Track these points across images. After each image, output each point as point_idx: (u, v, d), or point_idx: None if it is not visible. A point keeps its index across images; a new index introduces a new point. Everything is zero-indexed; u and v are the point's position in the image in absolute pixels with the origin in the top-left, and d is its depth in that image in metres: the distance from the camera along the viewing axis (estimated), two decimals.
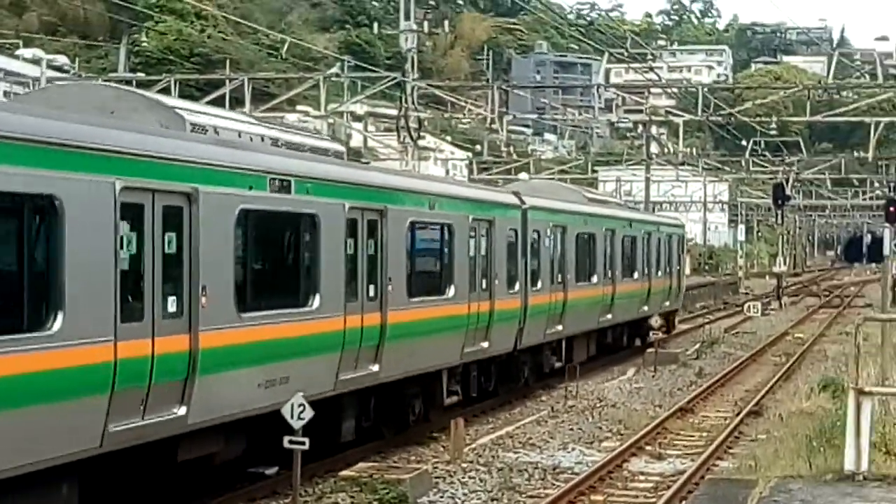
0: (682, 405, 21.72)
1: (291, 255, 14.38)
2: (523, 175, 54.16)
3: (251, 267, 13.11)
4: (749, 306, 44.77)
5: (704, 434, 19.29)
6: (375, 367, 15.51)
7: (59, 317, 9.85)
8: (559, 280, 23.67)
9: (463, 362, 18.90)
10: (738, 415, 20.76)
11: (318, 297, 13.98)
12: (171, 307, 11.32)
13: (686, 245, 41.10)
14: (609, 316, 27.35)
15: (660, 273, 32.61)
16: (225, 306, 12.10)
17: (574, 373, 23.49)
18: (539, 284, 22.33)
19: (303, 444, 12.04)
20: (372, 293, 15.38)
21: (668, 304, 33.70)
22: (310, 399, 12.35)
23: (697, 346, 33.36)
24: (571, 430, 19.45)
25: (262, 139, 13.96)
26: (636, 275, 30.03)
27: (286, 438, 12.11)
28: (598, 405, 22.11)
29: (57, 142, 9.95)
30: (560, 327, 23.73)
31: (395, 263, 15.95)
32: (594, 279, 26.22)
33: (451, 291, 18.02)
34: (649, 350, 28.70)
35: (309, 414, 12.02)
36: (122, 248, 10.62)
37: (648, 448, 17.85)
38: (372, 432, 16.59)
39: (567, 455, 17.28)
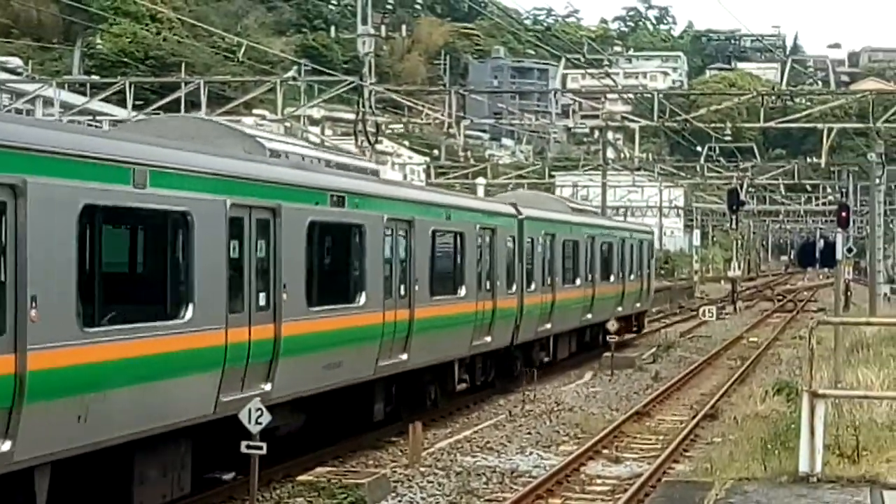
0: (638, 409, 21.84)
1: (344, 259, 16.54)
2: (480, 179, 54.27)
3: (315, 269, 15.10)
4: (704, 310, 45.13)
5: (661, 437, 19.40)
6: (405, 356, 17.84)
7: (190, 307, 12.03)
8: (549, 282, 26.11)
9: (471, 354, 21.43)
10: (693, 418, 20.91)
11: (364, 294, 16.36)
12: (262, 301, 13.51)
13: (654, 250, 43.41)
14: (589, 315, 29.66)
15: (632, 276, 34.82)
16: (298, 301, 14.24)
17: (532, 377, 23.56)
18: (532, 286, 24.78)
19: (260, 448, 11.97)
20: (403, 292, 17.74)
21: (639, 304, 36.16)
22: (356, 381, 15.89)
23: (653, 349, 33.56)
24: (529, 433, 19.50)
25: (319, 161, 16.42)
26: (612, 278, 32.33)
27: (243, 443, 12.03)
28: (555, 409, 22.19)
29: (193, 170, 12.17)
30: (549, 325, 26.12)
31: (421, 266, 18.45)
32: (577, 282, 28.71)
33: (462, 291, 20.49)
34: (606, 354, 28.85)
35: (266, 419, 11.95)
36: (230, 250, 12.80)
37: (605, 451, 17.93)
38: (393, 415, 18.52)
39: (525, 459, 17.32)
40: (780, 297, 64.92)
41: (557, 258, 26.78)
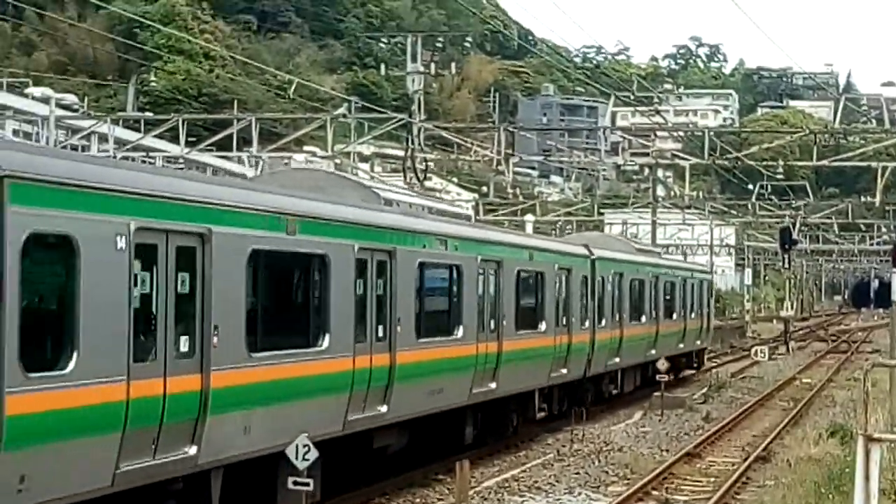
0: (689, 450, 21.52)
1: (446, 296, 18.34)
2: (529, 217, 54.13)
3: (423, 304, 16.95)
4: (756, 350, 44.57)
5: (712, 479, 19.10)
6: (493, 385, 19.54)
7: (327, 337, 13.89)
8: (617, 319, 27.69)
9: (549, 384, 23.21)
10: (745, 460, 20.55)
11: (461, 328, 18.20)
12: (380, 332, 15.32)
13: (713, 290, 45.80)
14: (653, 351, 30.89)
15: (693, 314, 36.43)
16: (409, 333, 16.03)
17: (581, 416, 23.35)
18: (603, 322, 26.44)
19: (307, 485, 11.92)
20: (492, 326, 19.51)
21: (699, 342, 37.92)
22: (455, 406, 17.96)
23: (704, 390, 33.17)
24: (577, 473, 19.27)
25: (423, 208, 18.76)
26: (675, 315, 33.94)
27: (290, 479, 12.00)
28: (604, 448, 21.93)
29: (330, 219, 14.13)
30: (618, 359, 27.88)
31: (507, 302, 20.18)
32: (643, 319, 30.21)
33: (542, 326, 22.19)
34: (656, 393, 28.55)
35: (314, 455, 11.91)
36: (356, 288, 14.64)
37: (655, 493, 17.66)
38: (480, 439, 20.14)
39: (573, 499, 17.12)
40: (834, 338, 64.04)
41: (625, 296, 28.32)
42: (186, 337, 11.31)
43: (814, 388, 34.61)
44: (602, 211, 72.00)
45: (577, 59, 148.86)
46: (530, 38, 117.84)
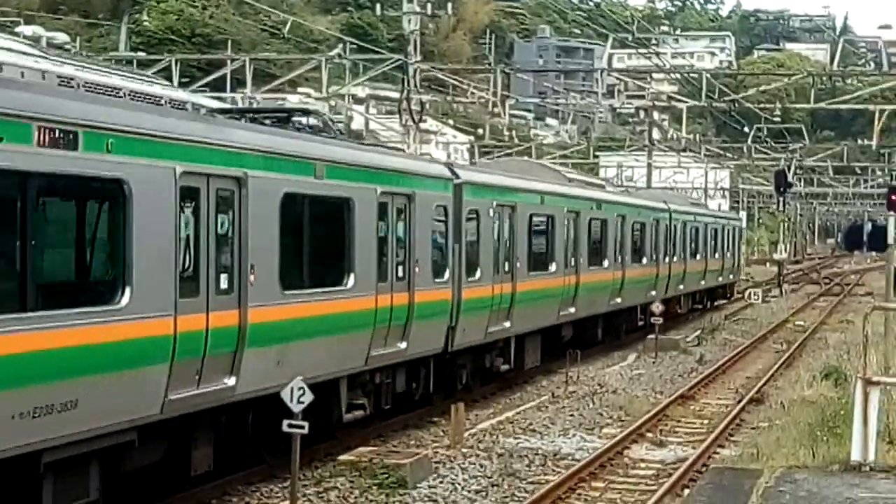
0: (683, 392, 21.62)
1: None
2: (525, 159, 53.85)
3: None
4: (750, 293, 44.63)
5: (706, 421, 19.19)
6: (508, 324, 20.47)
7: (352, 276, 14.66)
8: (683, 256, 35.57)
9: (558, 323, 24.33)
10: (739, 402, 20.65)
11: (479, 270, 19.02)
12: (400, 273, 16.11)
13: (743, 233, 54.93)
14: (703, 282, 39.48)
15: (728, 254, 44.17)
16: (427, 275, 16.93)
17: (575, 358, 23.40)
18: (676, 257, 34.48)
19: (302, 427, 11.90)
20: (507, 268, 20.40)
21: (731, 276, 45.82)
22: (481, 342, 19.49)
23: (698, 332, 33.25)
24: (572, 415, 19.34)
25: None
26: (717, 255, 41.77)
27: (285, 422, 11.97)
28: (598, 391, 21.99)
29: (353, 163, 14.81)
30: (682, 286, 35.76)
31: (520, 244, 21.10)
32: (698, 257, 38.18)
33: (552, 267, 23.21)
34: (650, 336, 28.61)
35: (308, 398, 11.87)
36: (378, 231, 15.43)
37: (649, 435, 17.75)
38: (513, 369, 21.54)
39: (568, 441, 17.18)
40: (827, 281, 64.14)
41: (689, 239, 36.27)
42: (226, 275, 11.94)
43: (807, 330, 34.72)
44: (598, 154, 71.81)
45: (574, 1, 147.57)
46: None
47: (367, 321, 14.96)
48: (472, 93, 42.18)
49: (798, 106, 54.26)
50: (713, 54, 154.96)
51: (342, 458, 14.44)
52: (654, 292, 30.97)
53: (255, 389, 12.43)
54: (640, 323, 30.98)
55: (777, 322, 37.60)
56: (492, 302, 19.47)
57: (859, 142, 61.37)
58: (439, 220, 17.57)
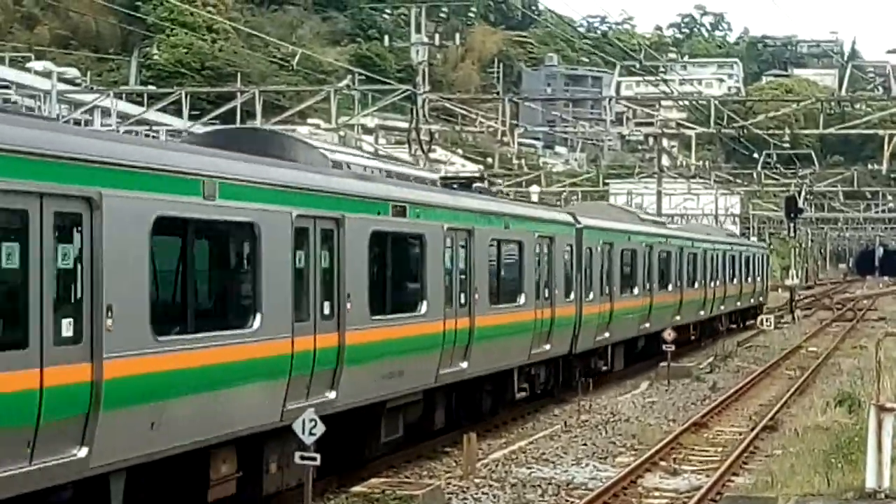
0: (696, 420, 21.50)
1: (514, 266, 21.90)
2: (534, 188, 53.97)
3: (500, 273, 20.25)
4: (762, 319, 44.48)
5: (719, 449, 19.08)
6: (608, 334, 25.04)
7: (425, 304, 16.39)
8: (729, 279, 41.17)
9: (637, 335, 29.52)
10: (753, 429, 20.53)
11: (592, 293, 24.69)
12: (462, 300, 17.78)
13: (769, 260, 59.37)
14: (739, 303, 44.62)
15: (758, 278, 49.50)
16: (484, 301, 18.71)
17: (587, 387, 23.33)
18: (719, 281, 39.11)
19: (314, 459, 11.88)
20: (608, 291, 25.58)
21: (760, 298, 50.72)
22: (591, 348, 24.42)
23: (711, 359, 33.14)
24: (585, 444, 19.26)
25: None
26: (749, 279, 46.97)
27: (297, 454, 11.95)
28: (611, 419, 21.91)
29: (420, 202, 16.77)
30: (722, 307, 40.91)
31: (615, 273, 26.61)
32: (734, 280, 42.92)
33: (635, 290, 28.60)
34: (662, 364, 28.52)
35: (320, 429, 11.85)
36: (444, 261, 17.17)
37: (663, 463, 17.65)
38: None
39: (581, 470, 17.10)
40: (839, 306, 63.93)
41: (718, 266, 39.60)
42: (328, 302, 13.50)
43: (820, 356, 34.56)
44: (607, 181, 71.82)
45: (582, 29, 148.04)
46: (534, 7, 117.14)
47: (529, 328, 20.41)
48: (481, 122, 42.31)
49: (807, 131, 54.32)
50: (721, 81, 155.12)
51: (355, 489, 14.38)
52: (701, 312, 36.74)
53: (352, 402, 14.23)
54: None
55: (790, 348, 37.43)
56: (599, 316, 25.12)
57: (869, 166, 61.26)
58: (567, 255, 23.00)
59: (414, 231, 16.04)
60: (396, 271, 15.75)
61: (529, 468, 17.11)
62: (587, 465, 17.52)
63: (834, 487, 11.95)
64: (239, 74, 59.46)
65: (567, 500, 15.03)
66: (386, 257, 15.30)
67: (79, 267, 9.69)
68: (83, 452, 9.64)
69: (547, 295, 21.51)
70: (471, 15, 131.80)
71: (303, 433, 11.84)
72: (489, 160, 61.89)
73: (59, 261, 9.47)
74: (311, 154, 15.00)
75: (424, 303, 16.24)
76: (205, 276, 12.07)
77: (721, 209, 74.07)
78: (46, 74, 44.31)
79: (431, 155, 36.81)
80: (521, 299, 20.21)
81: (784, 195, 55.22)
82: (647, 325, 29.53)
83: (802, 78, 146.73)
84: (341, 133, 36.59)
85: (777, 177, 59.67)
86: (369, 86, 41.32)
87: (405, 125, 35.98)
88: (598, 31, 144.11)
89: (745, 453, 18.26)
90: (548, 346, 21.54)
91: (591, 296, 24.50)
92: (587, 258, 24.42)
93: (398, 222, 15.42)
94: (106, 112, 40.19)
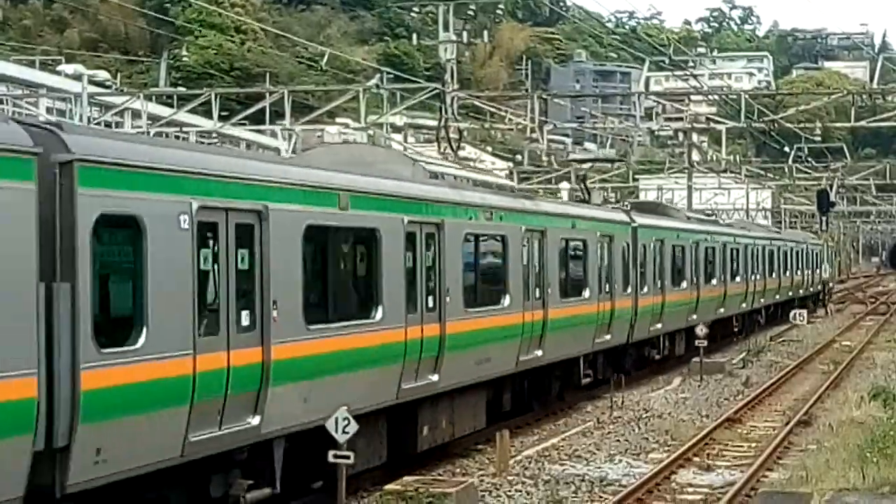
0: (729, 415, 21.41)
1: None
2: (564, 184, 53.85)
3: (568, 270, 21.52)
4: (795, 314, 44.23)
5: (753, 444, 18.99)
6: (660, 325, 26.93)
7: (507, 297, 17.93)
8: (767, 273, 42.19)
9: (692, 327, 29.49)
10: (786, 424, 20.41)
11: (646, 287, 25.81)
12: (537, 294, 19.15)
13: (828, 253, 61.80)
14: (801, 291, 50.48)
15: (819, 270, 55.44)
16: (556, 295, 20.03)
17: (620, 383, 23.27)
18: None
19: (347, 457, 11.92)
20: (659, 284, 27.06)
21: (811, 289, 54.06)
22: (646, 337, 26.24)
23: (743, 354, 32.97)
24: (618, 441, 19.22)
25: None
26: (813, 272, 53.24)
27: (330, 453, 11.99)
28: (644, 416, 21.85)
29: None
30: (790, 293, 46.80)
31: (668, 268, 27.74)
32: (786, 273, 46.32)
33: (683, 284, 29.62)
34: (694, 359, 28.42)
35: (353, 428, 11.89)
36: (523, 259, 18.78)
37: (696, 459, 17.59)
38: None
39: (614, 467, 17.06)
40: (873, 300, 63.46)
41: (759, 259, 40.91)
42: (432, 297, 15.27)
43: (853, 350, 34.32)
44: (637, 177, 71.58)
45: (610, 25, 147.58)
46: (562, 3, 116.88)
47: (593, 320, 21.84)
48: (510, 119, 42.28)
49: (838, 124, 53.91)
50: (751, 75, 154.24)
51: (388, 487, 14.40)
52: (771, 298, 42.32)
53: (454, 383, 15.85)
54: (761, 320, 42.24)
55: (823, 342, 37.21)
56: (653, 308, 26.32)
57: None
58: (624, 252, 24.29)
59: (498, 233, 17.91)
60: (485, 268, 17.49)
61: (562, 465, 17.09)
62: (620, 461, 17.49)
63: (869, 482, 11.88)
64: (268, 75, 59.67)
65: (601, 497, 15.01)
66: (476, 256, 17.15)
67: (252, 268, 11.68)
68: (256, 420, 11.61)
69: (607, 289, 23.18)
70: (498, 12, 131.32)
71: (336, 432, 11.88)
72: (518, 157, 61.82)
73: (238, 263, 11.50)
74: (415, 168, 17.14)
75: (507, 296, 17.90)
76: (340, 274, 14.10)
77: (753, 203, 73.71)
78: (77, 77, 44.66)
79: (461, 153, 36.83)
80: (586, 293, 21.93)
81: (815, 189, 54.84)
82: (695, 316, 30.31)
83: (833, 71, 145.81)
84: (370, 132, 36.66)
85: (808, 170, 59.28)
86: (398, 84, 41.37)
87: (434, 123, 36.05)
88: (627, 27, 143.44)
89: (779, 448, 18.16)
90: (608, 336, 23.06)
91: (645, 289, 25.88)
92: (642, 254, 25.83)
93: (485, 225, 17.34)
94: (136, 114, 40.46)
